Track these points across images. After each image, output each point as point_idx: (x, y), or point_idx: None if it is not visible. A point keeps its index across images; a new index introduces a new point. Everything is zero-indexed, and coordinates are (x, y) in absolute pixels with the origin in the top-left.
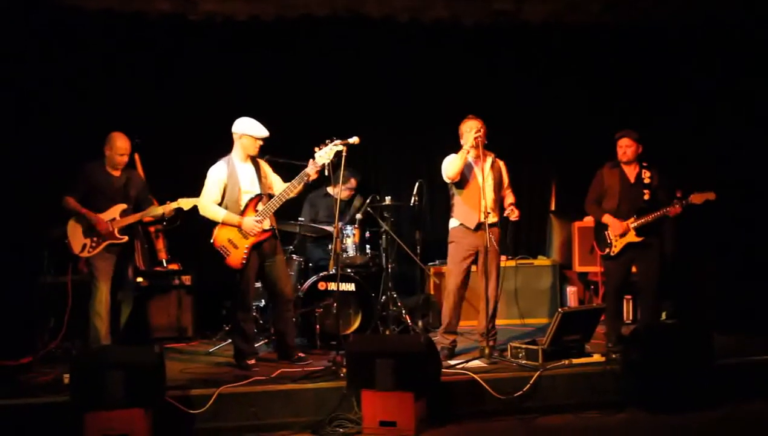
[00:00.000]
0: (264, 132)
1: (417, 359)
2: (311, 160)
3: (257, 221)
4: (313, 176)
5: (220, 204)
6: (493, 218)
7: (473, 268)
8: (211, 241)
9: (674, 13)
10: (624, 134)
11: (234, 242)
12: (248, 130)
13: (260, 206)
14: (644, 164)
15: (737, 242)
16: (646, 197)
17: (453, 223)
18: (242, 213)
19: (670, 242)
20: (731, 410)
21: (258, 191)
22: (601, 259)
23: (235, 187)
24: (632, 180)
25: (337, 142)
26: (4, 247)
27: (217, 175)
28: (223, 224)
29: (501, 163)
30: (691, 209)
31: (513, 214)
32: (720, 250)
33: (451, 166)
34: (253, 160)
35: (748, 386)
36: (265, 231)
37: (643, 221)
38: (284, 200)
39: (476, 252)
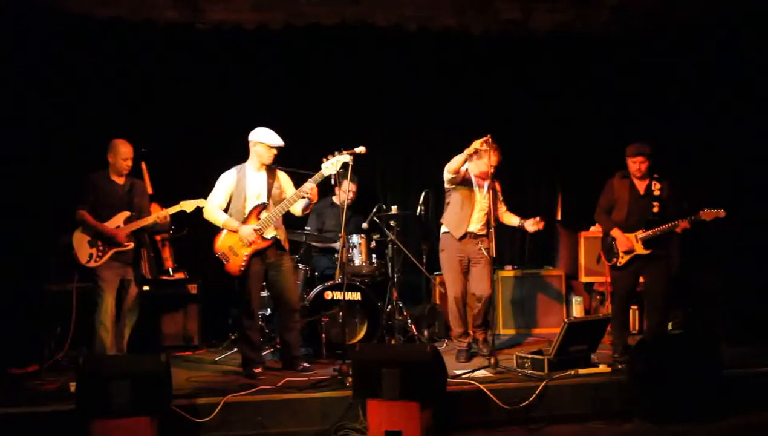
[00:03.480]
0: (278, 141)
1: (423, 368)
2: (312, 178)
3: (255, 230)
4: (311, 194)
5: (225, 210)
6: (482, 230)
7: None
8: (213, 247)
9: (683, 22)
10: (639, 151)
11: (234, 249)
12: (262, 138)
13: (263, 215)
14: (655, 176)
15: (745, 252)
16: (655, 210)
17: (442, 229)
18: (245, 221)
19: (676, 255)
20: (738, 421)
21: (264, 201)
22: (608, 268)
23: (241, 195)
24: (642, 192)
25: (344, 152)
26: (11, 254)
27: (225, 181)
28: (224, 229)
29: (496, 183)
30: (699, 225)
31: (538, 224)
32: (728, 261)
33: (452, 162)
34: (270, 169)
35: (756, 397)
36: (266, 239)
37: (651, 233)
38: (285, 211)
39: (468, 259)
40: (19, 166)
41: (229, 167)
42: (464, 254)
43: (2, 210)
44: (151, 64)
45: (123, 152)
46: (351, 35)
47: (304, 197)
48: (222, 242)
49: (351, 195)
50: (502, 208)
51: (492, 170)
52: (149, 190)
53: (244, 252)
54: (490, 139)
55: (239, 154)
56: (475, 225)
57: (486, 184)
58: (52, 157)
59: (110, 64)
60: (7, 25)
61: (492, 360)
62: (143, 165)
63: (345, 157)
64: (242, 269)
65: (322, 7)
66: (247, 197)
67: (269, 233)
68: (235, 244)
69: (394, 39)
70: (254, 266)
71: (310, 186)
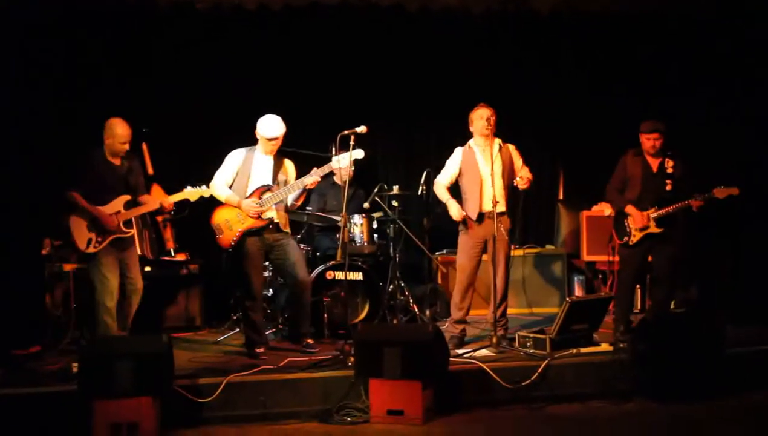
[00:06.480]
0: (272, 133)
1: (425, 348)
2: (318, 169)
3: (256, 204)
4: (311, 186)
5: (231, 187)
6: (500, 207)
7: (484, 257)
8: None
9: (683, 4)
10: (655, 128)
11: (230, 223)
12: (260, 129)
13: (266, 196)
14: (668, 153)
15: (756, 233)
16: (668, 188)
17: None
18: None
19: (683, 234)
20: (740, 399)
21: (269, 183)
22: (618, 247)
23: (245, 175)
24: (655, 170)
25: (355, 129)
26: (12, 236)
27: (233, 159)
28: (225, 203)
29: (511, 147)
30: (711, 202)
31: (521, 181)
32: (737, 242)
33: (436, 189)
34: (277, 156)
35: (759, 376)
36: (262, 220)
37: (663, 211)
38: (286, 195)
39: (485, 241)
40: (19, 147)
41: (229, 147)
42: (483, 235)
43: (2, 192)
44: (152, 45)
45: (120, 135)
46: (351, 14)
47: (304, 186)
48: (219, 215)
49: (351, 172)
50: (525, 174)
51: (491, 126)
52: (150, 170)
53: (238, 228)
54: (492, 124)
55: (239, 133)
56: (489, 203)
57: (494, 148)
58: (52, 139)
59: (110, 44)
60: (6, 9)
61: (494, 339)
62: (144, 146)
63: (358, 153)
64: (233, 243)
65: None
66: (251, 178)
67: (267, 214)
68: (232, 218)
69: (395, 18)
70: (250, 245)
71: (312, 179)
